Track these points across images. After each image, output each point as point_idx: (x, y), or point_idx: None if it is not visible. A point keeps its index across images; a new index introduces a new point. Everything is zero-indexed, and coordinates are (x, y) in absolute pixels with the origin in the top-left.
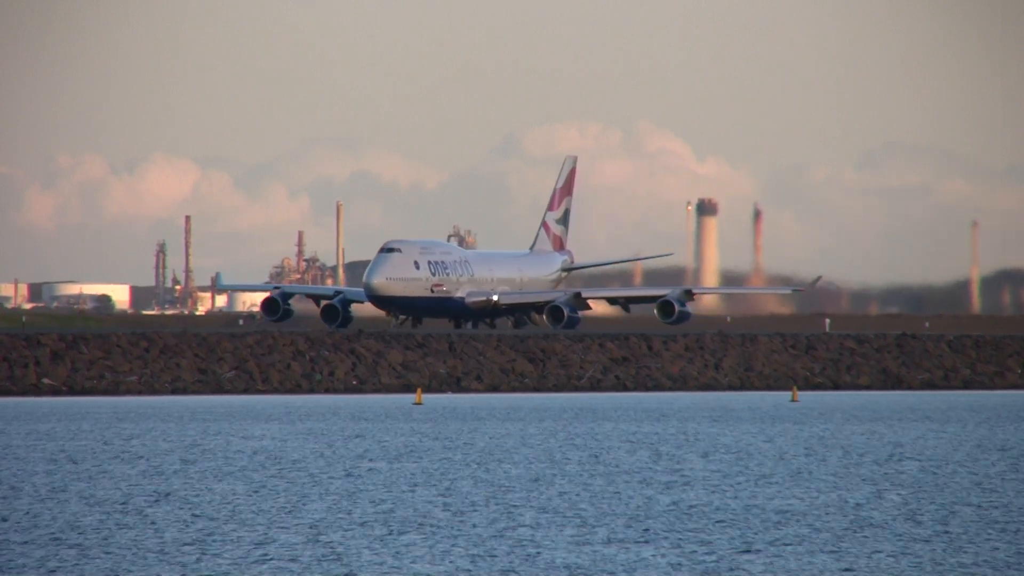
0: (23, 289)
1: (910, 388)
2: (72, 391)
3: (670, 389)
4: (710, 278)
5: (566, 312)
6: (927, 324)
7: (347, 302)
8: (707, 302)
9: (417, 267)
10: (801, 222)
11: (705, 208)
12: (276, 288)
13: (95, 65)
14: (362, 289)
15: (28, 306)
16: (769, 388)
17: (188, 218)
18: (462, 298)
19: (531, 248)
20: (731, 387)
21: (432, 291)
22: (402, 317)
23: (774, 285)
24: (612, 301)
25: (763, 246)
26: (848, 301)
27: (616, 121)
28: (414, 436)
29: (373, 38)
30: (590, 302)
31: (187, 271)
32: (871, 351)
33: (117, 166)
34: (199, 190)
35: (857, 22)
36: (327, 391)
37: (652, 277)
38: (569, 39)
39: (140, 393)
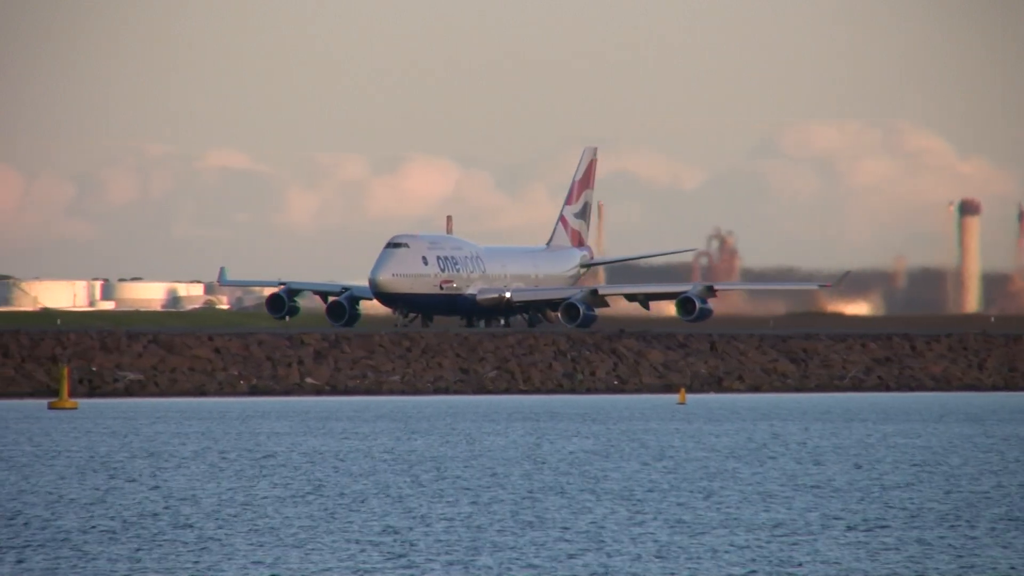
0: None
1: None
2: (335, 391)
3: (932, 389)
4: (971, 279)
5: (582, 310)
6: None
7: (354, 299)
8: (970, 301)
9: (425, 263)
10: None
11: (967, 208)
12: (282, 284)
13: (354, 64)
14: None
15: None
16: None
17: (449, 218)
18: (473, 295)
19: (548, 244)
20: (995, 387)
21: (441, 288)
22: (412, 315)
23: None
24: (631, 298)
25: None
26: None
27: (875, 119)
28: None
29: (627, 37)
30: (609, 299)
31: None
32: None
33: (378, 166)
34: (460, 189)
35: None
36: (588, 391)
37: (918, 277)
38: (826, 37)
39: (402, 393)
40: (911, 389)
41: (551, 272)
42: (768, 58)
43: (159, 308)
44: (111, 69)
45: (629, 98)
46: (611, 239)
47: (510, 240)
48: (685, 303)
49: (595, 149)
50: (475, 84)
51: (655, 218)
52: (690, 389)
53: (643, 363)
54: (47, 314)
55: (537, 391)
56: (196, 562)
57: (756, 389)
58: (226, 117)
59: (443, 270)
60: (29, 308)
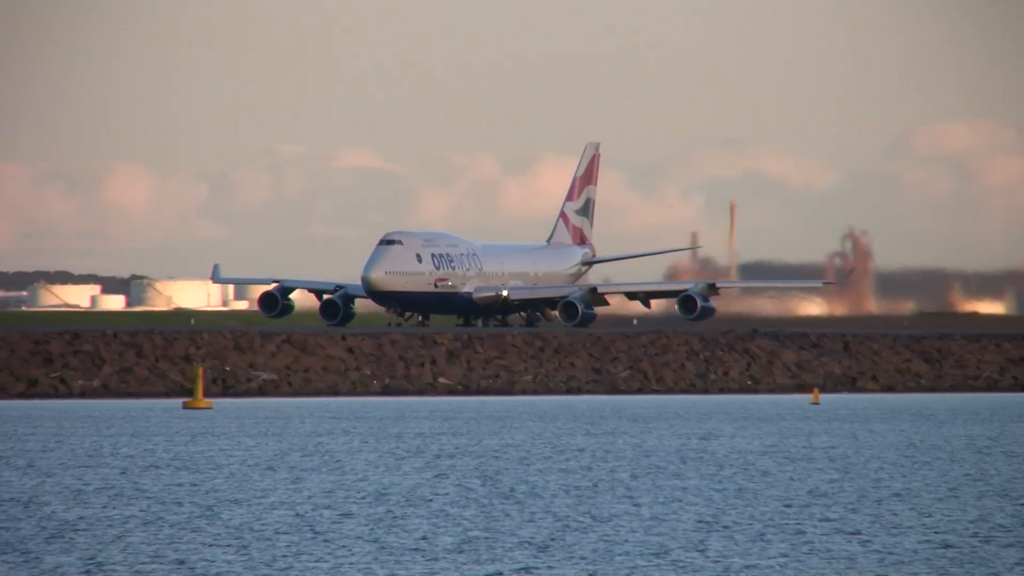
0: None
1: None
2: (467, 390)
3: None
4: None
5: (580, 308)
6: None
7: (348, 297)
8: None
9: (419, 260)
10: None
11: None
12: (276, 282)
13: (487, 64)
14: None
15: None
16: None
17: None
18: (469, 293)
19: (548, 241)
20: None
21: (436, 286)
22: (408, 313)
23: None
24: (631, 296)
25: None
26: None
27: (1008, 119)
28: None
29: (762, 38)
30: (608, 297)
31: None
32: None
33: (510, 165)
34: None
35: None
36: (721, 391)
37: None
38: (959, 38)
39: (535, 392)
40: None
41: (550, 270)
42: (901, 59)
43: None
44: (245, 71)
45: (764, 98)
46: (743, 239)
47: (645, 243)
48: (686, 301)
49: (597, 144)
50: (608, 82)
51: (788, 218)
52: (823, 389)
53: (776, 363)
54: (181, 314)
55: (669, 391)
56: None
57: (890, 389)
58: (358, 117)
59: (438, 268)
60: (163, 308)
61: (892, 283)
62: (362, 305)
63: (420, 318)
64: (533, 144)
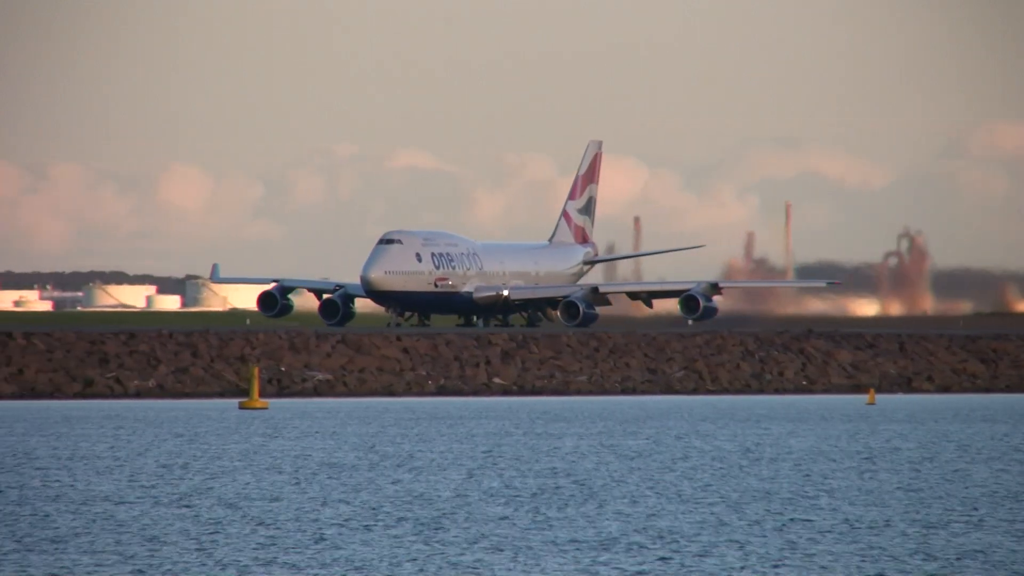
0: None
1: None
2: (522, 391)
3: None
4: None
5: (581, 308)
6: None
7: (348, 297)
8: None
9: (419, 259)
10: None
11: None
12: (275, 282)
13: (540, 65)
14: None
15: None
16: None
17: (637, 219)
18: (470, 293)
19: (550, 239)
20: None
21: (436, 285)
22: (408, 313)
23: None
24: (633, 296)
25: None
26: None
27: None
28: None
29: (815, 37)
30: (610, 297)
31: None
32: None
33: (564, 165)
34: (648, 190)
35: None
36: (776, 391)
37: None
38: (1014, 38)
39: (590, 393)
40: None
41: (552, 269)
42: (957, 59)
43: None
44: (301, 71)
45: (819, 98)
46: (799, 239)
47: (700, 243)
48: (688, 301)
49: (600, 143)
50: (665, 82)
51: (843, 218)
52: (878, 389)
53: (831, 363)
54: (236, 314)
55: (724, 391)
56: None
57: (945, 389)
58: (413, 117)
59: (438, 267)
60: (218, 308)
61: (948, 283)
62: (362, 305)
63: (411, 317)
64: (588, 144)
